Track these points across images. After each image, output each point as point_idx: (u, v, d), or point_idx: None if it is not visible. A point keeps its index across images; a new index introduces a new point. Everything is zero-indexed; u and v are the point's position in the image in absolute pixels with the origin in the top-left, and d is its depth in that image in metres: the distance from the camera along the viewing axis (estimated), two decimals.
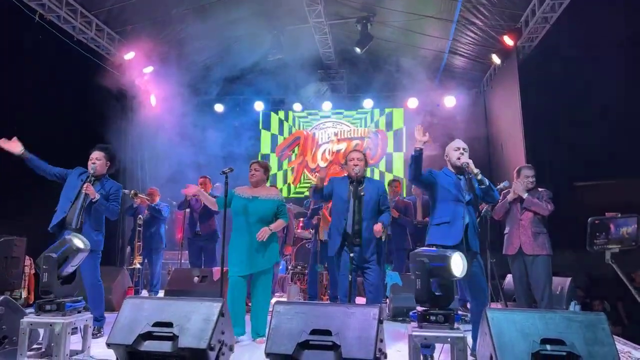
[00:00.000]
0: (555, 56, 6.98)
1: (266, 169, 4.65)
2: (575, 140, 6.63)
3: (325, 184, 4.26)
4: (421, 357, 3.39)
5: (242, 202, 4.40)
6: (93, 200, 4.29)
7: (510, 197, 4.75)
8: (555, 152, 7.09)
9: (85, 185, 4.26)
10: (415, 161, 3.63)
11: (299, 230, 7.92)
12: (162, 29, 8.39)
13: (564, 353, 2.57)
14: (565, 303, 5.10)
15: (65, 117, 6.77)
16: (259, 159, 11.05)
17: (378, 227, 3.99)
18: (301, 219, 8.08)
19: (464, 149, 3.85)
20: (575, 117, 6.60)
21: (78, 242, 3.36)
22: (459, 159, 3.79)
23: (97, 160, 4.46)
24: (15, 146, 4.32)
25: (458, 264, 2.90)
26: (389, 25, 8.94)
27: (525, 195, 4.63)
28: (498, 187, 5.01)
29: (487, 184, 3.75)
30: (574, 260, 6.60)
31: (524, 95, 7.64)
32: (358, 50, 8.81)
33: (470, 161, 3.76)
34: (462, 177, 3.82)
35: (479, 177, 3.73)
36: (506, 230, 4.81)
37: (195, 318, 2.97)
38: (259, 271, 4.37)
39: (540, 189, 4.75)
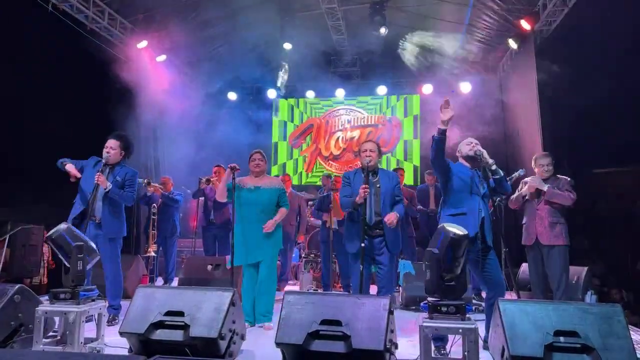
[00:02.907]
0: (573, 40, 6.80)
1: (265, 158, 4.70)
2: (594, 126, 6.49)
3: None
4: (433, 349, 3.40)
5: (245, 193, 4.45)
6: (105, 190, 4.31)
7: (524, 191, 4.64)
8: (574, 138, 6.95)
9: (97, 175, 4.27)
10: (437, 144, 3.52)
11: (311, 219, 7.92)
12: (174, 17, 8.37)
13: (578, 345, 2.54)
14: (581, 293, 5.02)
15: (78, 106, 6.83)
16: (272, 147, 11.09)
17: (392, 216, 3.93)
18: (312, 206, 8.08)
19: (476, 143, 3.82)
20: (593, 103, 6.44)
21: (58, 227, 3.33)
22: (471, 149, 3.75)
23: (111, 149, 4.45)
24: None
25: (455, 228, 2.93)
26: (403, 10, 8.79)
27: (545, 188, 4.50)
28: (513, 175, 4.92)
29: (501, 174, 3.69)
30: (590, 248, 6.51)
31: (542, 81, 7.48)
32: (383, 31, 8.65)
33: (485, 151, 3.72)
34: (476, 170, 3.77)
35: (493, 167, 3.68)
36: (524, 221, 4.71)
37: (206, 307, 2.99)
38: (262, 260, 4.42)
39: (559, 177, 4.63)
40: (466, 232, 2.91)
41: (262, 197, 4.45)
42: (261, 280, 4.42)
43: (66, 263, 3.30)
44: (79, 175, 4.36)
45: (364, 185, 3.89)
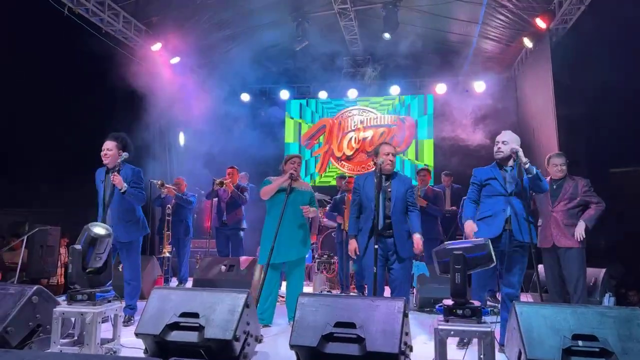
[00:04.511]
0: (590, 39, 6.69)
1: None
2: (611, 125, 6.39)
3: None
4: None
5: (281, 195, 4.51)
6: (122, 191, 4.25)
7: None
8: (590, 138, 6.84)
9: (112, 177, 4.22)
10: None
11: (324, 219, 7.91)
12: (187, 19, 8.42)
13: (597, 349, 2.50)
14: (599, 295, 4.95)
15: (93, 108, 6.92)
16: (285, 148, 11.12)
17: (418, 242, 4.00)
18: (326, 207, 8.08)
19: (503, 142, 3.87)
20: (610, 102, 6.34)
21: (97, 229, 3.35)
22: (497, 152, 3.85)
23: (108, 150, 4.34)
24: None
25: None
26: (416, 10, 8.74)
27: (583, 227, 4.37)
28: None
29: (535, 172, 3.71)
30: (608, 249, 6.39)
31: (557, 80, 7.38)
32: (387, 36, 8.64)
33: (520, 150, 3.77)
34: (507, 169, 3.84)
35: (527, 166, 3.70)
36: (539, 223, 4.66)
37: (220, 309, 3.00)
38: (294, 260, 4.56)
39: (575, 177, 4.55)
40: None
41: (297, 199, 4.56)
42: (293, 283, 4.63)
43: (92, 260, 3.37)
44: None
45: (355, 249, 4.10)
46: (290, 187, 4.51)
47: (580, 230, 4.37)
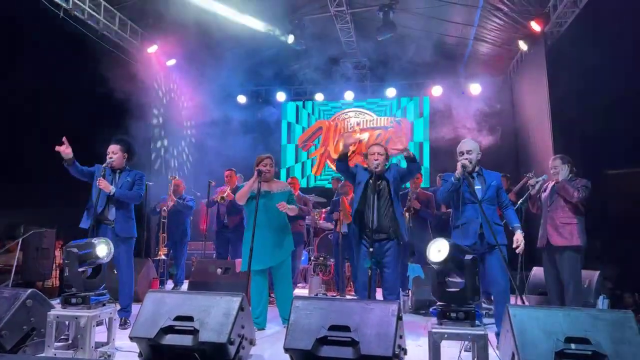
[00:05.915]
0: (585, 42, 6.73)
1: (274, 162, 4.77)
2: (606, 127, 6.41)
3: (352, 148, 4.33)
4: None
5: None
6: (110, 194, 4.35)
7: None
8: (585, 139, 6.87)
9: (98, 181, 4.30)
10: (454, 189, 3.82)
11: (321, 221, 7.92)
12: (183, 21, 8.42)
13: (589, 352, 2.51)
14: (593, 297, 4.96)
15: (89, 110, 6.90)
16: (281, 149, 11.13)
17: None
18: (323, 209, 8.09)
19: (467, 151, 3.92)
20: (606, 104, 6.37)
21: (102, 250, 3.39)
22: (463, 162, 3.87)
23: (113, 154, 4.49)
24: (67, 150, 4.30)
25: (434, 250, 2.93)
26: (412, 13, 8.76)
27: (561, 178, 4.42)
28: (539, 178, 4.80)
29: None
30: (603, 250, 6.42)
31: (552, 82, 7.42)
32: (380, 38, 8.67)
33: (466, 164, 3.84)
34: (474, 175, 3.91)
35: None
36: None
37: (215, 312, 3.00)
38: (277, 263, 4.52)
39: (578, 179, 4.54)
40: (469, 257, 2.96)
41: (274, 201, 4.45)
42: (280, 285, 4.57)
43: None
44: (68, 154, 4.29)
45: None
46: (263, 191, 4.40)
47: (561, 174, 4.43)
